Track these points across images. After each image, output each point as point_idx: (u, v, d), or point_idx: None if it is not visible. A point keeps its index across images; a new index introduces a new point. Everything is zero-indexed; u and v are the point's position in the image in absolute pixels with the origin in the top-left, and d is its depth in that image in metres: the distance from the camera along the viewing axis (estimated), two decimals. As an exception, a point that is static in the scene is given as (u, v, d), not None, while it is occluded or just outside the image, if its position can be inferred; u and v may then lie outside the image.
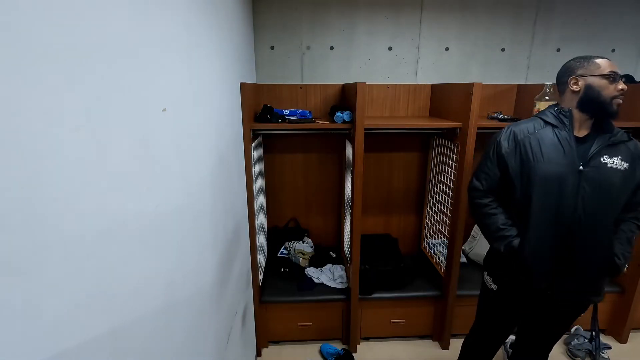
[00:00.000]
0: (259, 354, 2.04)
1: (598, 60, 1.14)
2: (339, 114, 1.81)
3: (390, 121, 2.00)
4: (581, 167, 1.13)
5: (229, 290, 1.38)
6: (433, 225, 2.25)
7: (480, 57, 2.25)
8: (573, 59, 1.21)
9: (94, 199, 0.53)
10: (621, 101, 1.14)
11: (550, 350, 1.43)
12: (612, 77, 1.12)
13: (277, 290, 2.04)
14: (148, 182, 0.70)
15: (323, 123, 1.84)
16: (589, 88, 1.14)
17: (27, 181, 0.40)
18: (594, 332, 1.39)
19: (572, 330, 2.09)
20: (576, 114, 1.19)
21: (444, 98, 2.03)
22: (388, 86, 2.20)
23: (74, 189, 0.48)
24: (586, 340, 1.99)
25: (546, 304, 1.29)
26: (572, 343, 2.01)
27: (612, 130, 1.17)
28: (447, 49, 2.23)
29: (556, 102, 1.27)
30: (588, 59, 1.16)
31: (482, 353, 1.53)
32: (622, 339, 2.10)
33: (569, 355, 2.02)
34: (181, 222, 0.87)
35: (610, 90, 1.12)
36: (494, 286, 1.36)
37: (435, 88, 2.18)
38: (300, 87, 2.15)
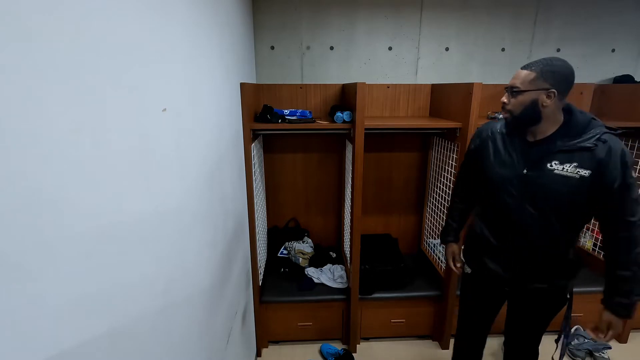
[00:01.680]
0: (259, 354, 2.04)
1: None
2: (339, 114, 1.81)
3: (390, 121, 2.00)
4: (525, 171, 1.14)
5: (229, 290, 1.38)
6: (433, 225, 2.25)
7: (480, 57, 2.25)
8: None
9: (93, 199, 0.53)
10: (504, 114, 1.18)
11: (536, 344, 1.41)
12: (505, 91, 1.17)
13: (277, 290, 2.04)
14: (148, 182, 0.70)
15: (323, 123, 1.84)
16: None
17: (27, 181, 0.40)
18: (562, 334, 1.38)
19: (572, 330, 2.09)
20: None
21: (444, 98, 2.03)
22: (388, 86, 2.20)
23: (74, 189, 0.48)
24: (586, 340, 1.99)
25: (513, 293, 1.35)
26: (572, 343, 2.01)
27: (578, 134, 1.09)
28: (447, 49, 2.23)
29: None
30: None
31: (471, 344, 1.55)
32: (622, 339, 2.10)
33: (568, 355, 2.02)
34: (181, 222, 0.87)
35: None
36: (468, 269, 1.43)
37: (435, 88, 2.18)
38: (300, 87, 2.15)
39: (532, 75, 1.07)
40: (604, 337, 1.16)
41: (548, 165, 1.11)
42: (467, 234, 1.43)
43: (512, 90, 1.12)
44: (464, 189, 1.47)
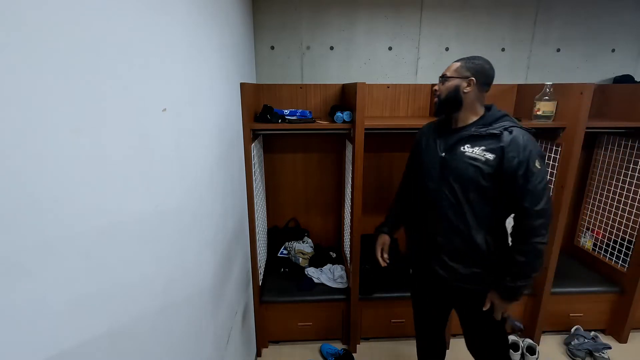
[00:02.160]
0: (259, 354, 2.04)
1: None
2: (339, 114, 1.81)
3: (390, 121, 2.00)
4: (443, 154, 1.26)
5: (229, 290, 1.38)
6: (433, 225, 2.25)
7: (480, 57, 2.25)
8: None
9: (93, 199, 0.53)
10: (434, 99, 1.31)
11: (500, 347, 1.38)
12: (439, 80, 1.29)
13: (277, 290, 2.04)
14: (148, 182, 0.70)
15: (323, 123, 1.84)
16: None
17: (27, 181, 0.41)
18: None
19: (572, 330, 2.09)
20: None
21: (444, 98, 2.03)
22: (388, 86, 2.20)
23: (74, 189, 0.48)
24: (586, 340, 1.99)
25: (444, 291, 1.41)
26: (572, 343, 2.01)
27: (489, 123, 1.21)
28: (447, 49, 2.23)
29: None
30: None
31: (421, 338, 1.63)
32: (622, 339, 2.10)
33: (568, 355, 2.02)
34: (181, 222, 0.87)
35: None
36: (410, 270, 1.55)
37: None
38: (300, 87, 2.15)
39: (458, 65, 1.24)
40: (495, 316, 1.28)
41: (461, 148, 1.22)
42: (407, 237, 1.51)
43: (442, 78, 1.27)
44: (406, 186, 1.53)
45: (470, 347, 1.48)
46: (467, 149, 1.21)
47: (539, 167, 1.14)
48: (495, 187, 1.18)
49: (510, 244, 1.25)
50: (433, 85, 2.19)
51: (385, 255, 1.54)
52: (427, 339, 1.60)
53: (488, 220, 1.23)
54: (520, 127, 1.19)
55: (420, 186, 1.34)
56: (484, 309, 1.27)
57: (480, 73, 1.23)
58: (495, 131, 1.18)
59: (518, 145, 1.13)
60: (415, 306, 1.58)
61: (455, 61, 1.27)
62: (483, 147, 1.18)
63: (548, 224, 1.16)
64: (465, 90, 1.22)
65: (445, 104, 1.26)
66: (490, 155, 1.16)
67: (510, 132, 1.16)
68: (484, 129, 1.20)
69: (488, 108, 1.28)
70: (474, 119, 1.25)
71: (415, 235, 1.42)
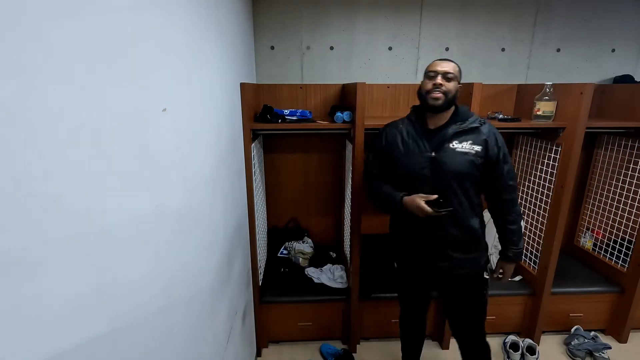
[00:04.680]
0: (259, 353, 2.04)
1: (434, 62, 1.32)
2: (339, 114, 1.81)
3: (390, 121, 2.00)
4: (433, 154, 1.31)
5: (229, 290, 1.38)
6: (433, 225, 2.25)
7: (480, 57, 2.25)
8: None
9: (93, 198, 0.53)
10: (438, 95, 1.27)
11: (479, 331, 1.51)
12: (431, 75, 1.29)
13: (277, 290, 2.04)
14: (148, 182, 0.70)
15: (323, 123, 1.84)
16: (420, 85, 1.35)
17: (27, 181, 0.41)
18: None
19: (572, 330, 2.09)
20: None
21: (444, 98, 2.03)
22: (388, 86, 2.20)
23: (74, 188, 0.48)
24: (586, 340, 1.99)
25: (435, 279, 1.49)
26: (572, 343, 2.01)
27: (465, 120, 1.32)
28: (447, 49, 2.23)
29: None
30: (432, 61, 1.34)
31: (405, 327, 1.72)
32: (622, 339, 2.10)
33: (568, 355, 2.02)
34: (181, 222, 0.87)
35: (427, 85, 1.29)
36: (395, 264, 1.57)
37: (435, 88, 2.18)
38: (300, 87, 2.15)
39: (457, 68, 1.31)
40: (498, 279, 1.49)
41: (450, 145, 1.30)
42: (390, 231, 1.55)
43: (447, 76, 1.28)
44: (379, 177, 1.47)
45: (458, 330, 1.56)
46: (456, 145, 1.30)
47: (506, 151, 1.35)
48: (484, 174, 1.33)
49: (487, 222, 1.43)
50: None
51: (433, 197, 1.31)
52: (413, 327, 1.69)
53: (479, 207, 1.38)
54: (485, 119, 1.38)
55: (407, 189, 1.34)
56: (495, 275, 1.49)
57: (461, 76, 1.36)
58: (476, 124, 1.32)
59: (494, 135, 1.32)
60: (404, 297, 1.65)
61: (449, 60, 1.32)
62: (470, 142, 1.30)
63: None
64: (457, 95, 1.32)
65: (447, 104, 1.29)
66: (477, 147, 1.30)
67: (484, 124, 1.33)
68: (465, 125, 1.31)
69: (455, 106, 1.37)
70: (448, 117, 1.34)
71: (407, 234, 1.45)
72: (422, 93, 1.32)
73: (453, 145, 1.30)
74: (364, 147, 1.66)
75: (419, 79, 2.26)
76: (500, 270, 1.48)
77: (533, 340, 2.03)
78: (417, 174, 1.33)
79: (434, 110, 1.31)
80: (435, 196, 1.25)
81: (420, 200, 1.25)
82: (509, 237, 1.41)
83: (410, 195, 1.30)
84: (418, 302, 1.63)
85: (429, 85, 1.28)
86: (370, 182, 1.49)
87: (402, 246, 1.49)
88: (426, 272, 1.48)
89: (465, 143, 1.30)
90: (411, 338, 1.74)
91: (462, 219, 1.34)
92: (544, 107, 1.85)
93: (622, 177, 2.11)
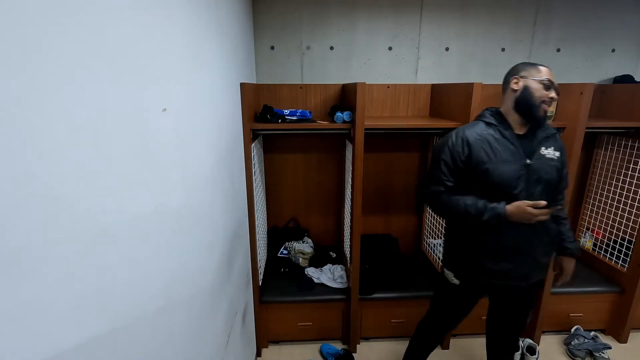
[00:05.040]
0: (259, 353, 2.04)
1: (540, 67, 1.24)
2: (339, 114, 1.81)
3: (390, 121, 2.00)
4: (528, 161, 1.25)
5: (229, 290, 1.38)
6: (433, 225, 2.25)
7: (480, 57, 2.25)
8: (520, 63, 1.30)
9: (94, 199, 0.53)
10: (548, 108, 1.23)
11: (519, 335, 1.56)
12: (547, 84, 1.21)
13: (277, 290, 2.04)
14: (148, 182, 0.70)
15: (323, 123, 1.84)
16: (525, 89, 1.24)
17: (27, 181, 0.41)
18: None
19: (572, 330, 2.09)
20: (512, 114, 1.29)
21: (444, 98, 2.03)
22: (388, 86, 2.20)
23: (74, 189, 0.48)
24: (586, 340, 1.99)
25: (502, 291, 1.44)
26: (572, 343, 2.01)
27: (544, 125, 1.31)
28: (447, 49, 2.23)
29: (494, 107, 1.39)
30: (533, 65, 1.26)
31: (436, 337, 1.64)
32: (622, 339, 2.10)
33: (568, 355, 2.02)
34: (181, 222, 0.87)
35: (542, 94, 1.21)
36: (456, 281, 1.44)
37: (435, 88, 2.18)
38: (300, 87, 2.15)
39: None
40: (564, 279, 1.47)
41: (540, 151, 1.28)
42: (454, 247, 1.43)
43: (556, 88, 1.24)
44: (454, 189, 1.33)
45: (503, 332, 1.54)
46: (544, 151, 1.28)
47: None
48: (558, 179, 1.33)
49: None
50: (434, 85, 2.19)
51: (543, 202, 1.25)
52: (444, 329, 1.61)
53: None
54: None
55: (495, 199, 1.24)
56: (563, 278, 1.47)
57: None
58: (553, 131, 1.34)
59: (561, 140, 1.35)
60: (451, 302, 1.52)
61: (546, 66, 1.25)
62: (552, 147, 1.30)
63: None
64: None
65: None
66: (557, 153, 1.30)
67: (557, 131, 1.35)
68: (547, 131, 1.31)
69: None
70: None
71: (487, 245, 1.32)
72: (533, 100, 1.21)
73: (542, 152, 1.27)
74: (435, 159, 1.35)
75: (419, 79, 2.27)
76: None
77: (533, 340, 2.03)
78: (512, 182, 1.24)
79: (539, 120, 1.25)
80: (544, 202, 1.19)
81: (529, 207, 1.19)
82: (566, 233, 1.42)
83: (512, 204, 1.22)
84: (465, 315, 1.54)
85: (545, 94, 1.20)
86: (440, 196, 1.32)
87: (481, 259, 1.34)
88: (510, 281, 1.35)
89: (550, 149, 1.28)
90: (432, 347, 1.67)
91: (548, 226, 1.31)
92: (544, 107, 1.85)
93: (622, 177, 2.11)
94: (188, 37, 0.93)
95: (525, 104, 1.23)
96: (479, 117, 1.36)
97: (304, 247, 2.27)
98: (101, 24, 0.53)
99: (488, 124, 1.30)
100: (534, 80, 1.22)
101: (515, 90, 1.26)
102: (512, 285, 1.35)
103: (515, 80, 1.26)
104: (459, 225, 1.40)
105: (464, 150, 1.27)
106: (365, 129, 1.71)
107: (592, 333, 2.04)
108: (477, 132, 1.29)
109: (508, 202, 1.23)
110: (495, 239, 1.30)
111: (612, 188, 2.18)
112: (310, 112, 1.92)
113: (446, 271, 1.47)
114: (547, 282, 1.96)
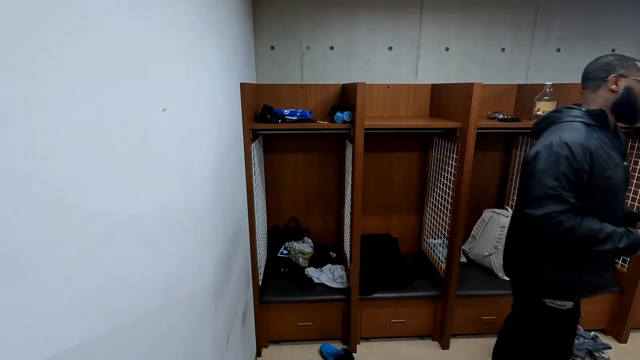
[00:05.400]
0: (259, 353, 2.04)
1: (639, 64, 1.12)
2: (339, 114, 1.81)
3: (390, 121, 2.00)
4: (625, 163, 1.19)
5: (229, 290, 1.38)
6: (433, 225, 2.25)
7: (480, 57, 2.25)
8: (612, 56, 1.15)
9: (93, 199, 0.53)
10: None
11: None
12: None
13: (277, 290, 2.04)
14: (148, 182, 0.70)
15: (323, 123, 1.84)
16: (628, 90, 1.12)
17: (27, 181, 0.41)
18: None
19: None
20: (609, 114, 1.17)
21: (444, 98, 2.03)
22: (388, 86, 2.20)
23: (74, 189, 0.48)
24: (586, 340, 1.99)
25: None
26: (572, 343, 2.01)
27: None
28: (447, 49, 2.23)
29: (578, 102, 1.24)
30: (630, 59, 1.13)
31: None
32: (622, 339, 2.10)
33: (569, 355, 2.02)
34: (181, 222, 0.87)
35: None
36: (569, 304, 1.26)
37: (435, 88, 2.18)
38: (300, 87, 2.15)
39: None
40: None
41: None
42: (555, 271, 1.25)
43: None
44: (579, 209, 1.15)
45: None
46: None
47: None
48: None
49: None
50: (434, 85, 2.19)
51: None
52: None
53: None
54: None
55: (607, 208, 1.15)
56: None
57: None
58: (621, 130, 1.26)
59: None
60: (569, 332, 1.36)
61: None
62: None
63: None
64: None
65: None
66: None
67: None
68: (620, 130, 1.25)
69: None
70: None
71: (601, 259, 1.22)
72: (638, 103, 1.12)
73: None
74: (547, 173, 1.13)
75: (419, 79, 2.27)
76: None
77: (533, 340, 2.02)
78: (621, 187, 1.16)
79: (635, 123, 1.16)
80: None
81: None
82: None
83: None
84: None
85: None
86: (582, 223, 1.12)
87: (590, 273, 1.23)
88: (602, 291, 1.28)
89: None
90: None
91: None
92: (544, 107, 1.85)
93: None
94: (188, 37, 0.93)
95: (630, 106, 1.12)
96: (577, 118, 1.17)
97: (304, 247, 2.27)
98: (101, 24, 0.53)
99: (589, 125, 1.15)
100: (636, 81, 1.11)
101: (614, 91, 1.14)
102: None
103: (614, 80, 1.13)
104: (561, 248, 1.22)
105: (587, 161, 1.10)
106: (365, 129, 1.71)
107: (592, 333, 2.04)
108: (588, 137, 1.12)
109: (612, 211, 1.15)
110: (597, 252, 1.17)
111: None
112: (310, 112, 1.92)
113: (548, 302, 1.27)
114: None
